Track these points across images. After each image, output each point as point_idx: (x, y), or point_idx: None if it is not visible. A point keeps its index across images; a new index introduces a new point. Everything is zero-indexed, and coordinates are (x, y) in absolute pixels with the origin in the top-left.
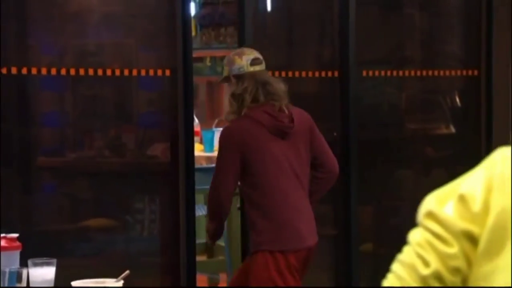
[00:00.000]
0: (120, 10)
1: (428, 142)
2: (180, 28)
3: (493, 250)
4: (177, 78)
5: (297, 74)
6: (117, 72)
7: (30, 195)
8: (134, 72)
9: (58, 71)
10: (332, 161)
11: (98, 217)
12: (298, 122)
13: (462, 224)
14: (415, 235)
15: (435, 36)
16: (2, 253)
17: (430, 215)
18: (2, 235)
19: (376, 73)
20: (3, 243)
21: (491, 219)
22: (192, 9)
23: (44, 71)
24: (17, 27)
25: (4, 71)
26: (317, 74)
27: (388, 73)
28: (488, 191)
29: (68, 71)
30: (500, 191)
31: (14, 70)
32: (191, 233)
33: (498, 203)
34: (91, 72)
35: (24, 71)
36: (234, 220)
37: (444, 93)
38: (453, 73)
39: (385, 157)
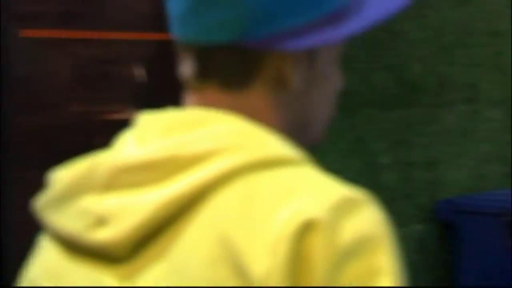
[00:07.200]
0: None
1: (95, 132)
2: None
3: None
4: None
5: None
6: None
7: None
8: None
9: None
10: None
11: None
12: None
13: None
14: None
15: None
16: None
17: None
18: None
19: (38, 33)
20: None
21: None
22: None
23: None
24: None
25: None
26: None
27: (54, 33)
28: None
29: None
30: None
31: None
32: None
33: None
34: None
35: None
36: None
37: (129, 63)
38: (136, 36)
39: (46, 152)
